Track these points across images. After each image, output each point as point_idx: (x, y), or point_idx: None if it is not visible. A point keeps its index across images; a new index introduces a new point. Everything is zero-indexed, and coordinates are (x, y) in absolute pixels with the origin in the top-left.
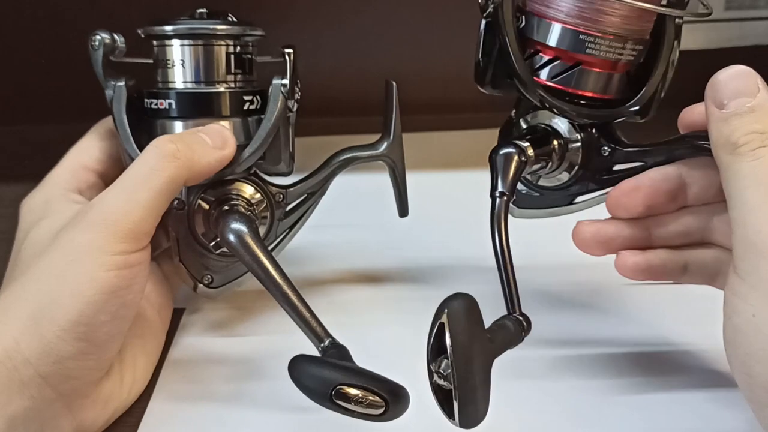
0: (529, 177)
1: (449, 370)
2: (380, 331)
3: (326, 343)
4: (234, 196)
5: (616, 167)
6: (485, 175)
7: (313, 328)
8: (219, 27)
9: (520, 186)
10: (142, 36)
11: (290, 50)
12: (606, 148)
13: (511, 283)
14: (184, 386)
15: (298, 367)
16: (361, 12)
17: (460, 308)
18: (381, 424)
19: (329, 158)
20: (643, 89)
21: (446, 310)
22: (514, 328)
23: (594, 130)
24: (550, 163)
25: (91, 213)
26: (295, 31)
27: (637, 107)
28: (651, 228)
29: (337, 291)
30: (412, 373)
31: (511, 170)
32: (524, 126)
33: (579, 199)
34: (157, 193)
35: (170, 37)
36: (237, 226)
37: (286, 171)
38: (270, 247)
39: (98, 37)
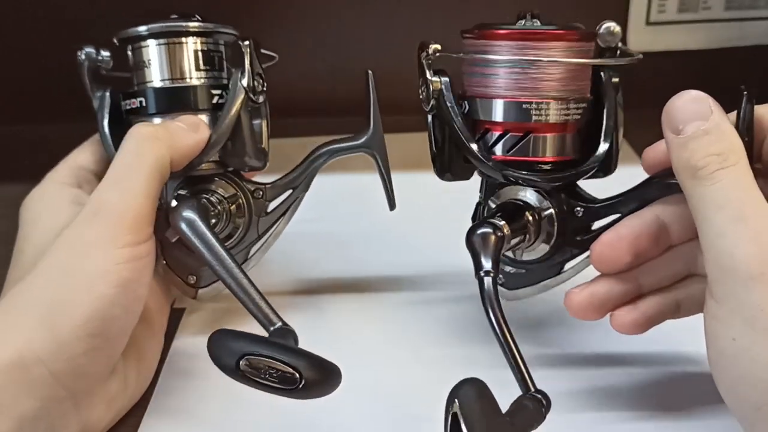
0: (511, 254)
1: None
2: (364, 340)
3: (277, 326)
4: (207, 191)
5: (595, 225)
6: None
7: (264, 312)
8: (186, 24)
9: (506, 267)
10: (117, 44)
11: (247, 42)
12: (579, 208)
13: (518, 361)
14: (185, 387)
15: (213, 337)
16: (361, 12)
17: (471, 395)
18: None
19: (311, 153)
20: (600, 144)
21: (456, 400)
22: (534, 407)
23: (562, 195)
24: (528, 236)
25: (90, 208)
26: (294, 31)
27: (597, 163)
28: (640, 278)
29: (324, 299)
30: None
31: (490, 248)
32: (493, 206)
33: (567, 266)
34: (148, 176)
35: (141, 39)
36: (186, 212)
37: (257, 165)
38: (257, 246)
39: (84, 51)
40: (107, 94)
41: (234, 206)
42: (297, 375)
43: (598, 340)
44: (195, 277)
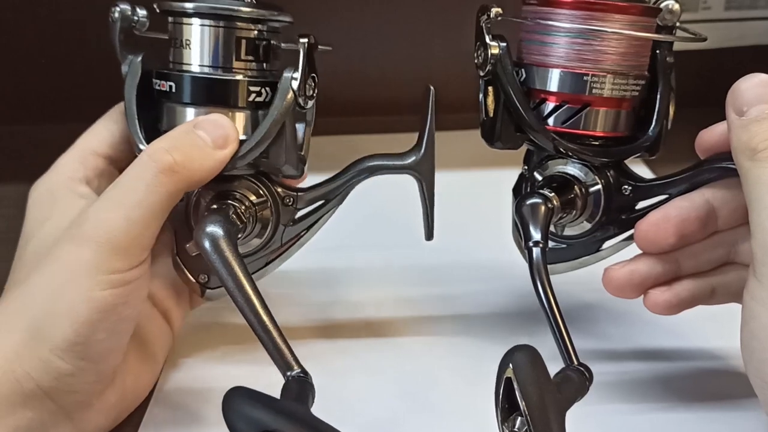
0: (553, 229)
1: (525, 428)
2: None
3: (294, 373)
4: (234, 194)
5: (640, 205)
6: (483, 175)
7: (283, 354)
8: (239, 9)
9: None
10: (158, 11)
11: (305, 39)
12: (627, 186)
13: (563, 333)
14: (185, 388)
15: (229, 400)
16: (361, 12)
17: (525, 361)
18: None
19: (351, 164)
20: (653, 123)
21: (510, 365)
22: (578, 379)
23: (611, 171)
24: (574, 211)
25: (86, 227)
26: (292, 30)
27: (648, 143)
28: (680, 260)
29: (358, 304)
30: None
31: (540, 219)
32: (540, 178)
33: (606, 244)
34: (155, 210)
35: (182, 15)
36: (213, 229)
37: (294, 173)
38: (276, 254)
39: (117, 8)
40: (139, 60)
41: (261, 213)
42: None
43: (621, 333)
44: (206, 277)
